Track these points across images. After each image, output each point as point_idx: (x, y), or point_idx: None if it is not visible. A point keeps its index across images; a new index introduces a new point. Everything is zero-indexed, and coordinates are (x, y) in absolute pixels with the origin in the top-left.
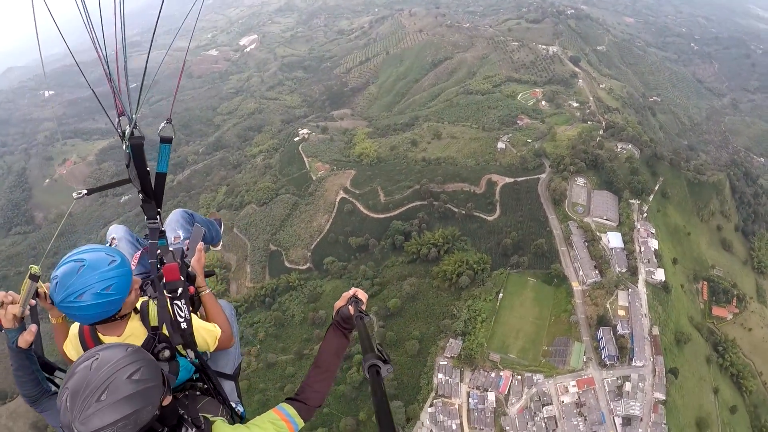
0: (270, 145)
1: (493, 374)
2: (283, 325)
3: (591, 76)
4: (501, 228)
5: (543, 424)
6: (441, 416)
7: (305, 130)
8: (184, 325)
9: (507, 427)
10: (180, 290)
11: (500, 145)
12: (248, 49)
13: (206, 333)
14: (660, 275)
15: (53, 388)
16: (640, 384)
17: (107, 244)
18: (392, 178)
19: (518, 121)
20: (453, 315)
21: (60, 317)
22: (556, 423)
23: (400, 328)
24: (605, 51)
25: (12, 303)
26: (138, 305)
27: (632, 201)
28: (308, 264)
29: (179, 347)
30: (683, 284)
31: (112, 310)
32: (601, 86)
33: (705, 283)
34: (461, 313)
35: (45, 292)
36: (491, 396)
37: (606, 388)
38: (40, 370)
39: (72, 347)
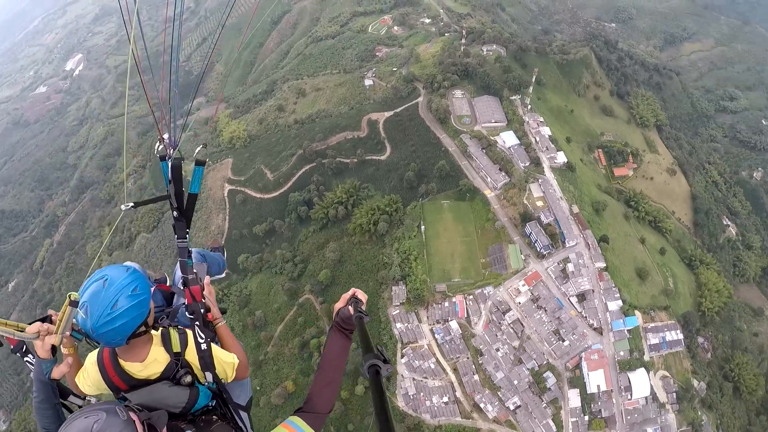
0: (136, 165)
1: (446, 304)
2: None
3: None
4: (398, 163)
5: (510, 330)
6: (416, 362)
7: (165, 135)
8: (203, 346)
9: (480, 346)
10: (201, 311)
11: (367, 82)
12: (77, 72)
13: (225, 364)
14: (561, 157)
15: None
16: (579, 261)
17: None
18: (272, 152)
19: (377, 53)
20: (385, 264)
21: (72, 348)
22: (522, 324)
23: (339, 296)
24: None
25: (48, 333)
26: (159, 331)
27: (513, 98)
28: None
29: (198, 374)
30: (582, 158)
31: (144, 312)
32: None
33: (600, 150)
34: (393, 259)
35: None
36: (453, 324)
37: (552, 275)
38: (60, 404)
39: (87, 377)
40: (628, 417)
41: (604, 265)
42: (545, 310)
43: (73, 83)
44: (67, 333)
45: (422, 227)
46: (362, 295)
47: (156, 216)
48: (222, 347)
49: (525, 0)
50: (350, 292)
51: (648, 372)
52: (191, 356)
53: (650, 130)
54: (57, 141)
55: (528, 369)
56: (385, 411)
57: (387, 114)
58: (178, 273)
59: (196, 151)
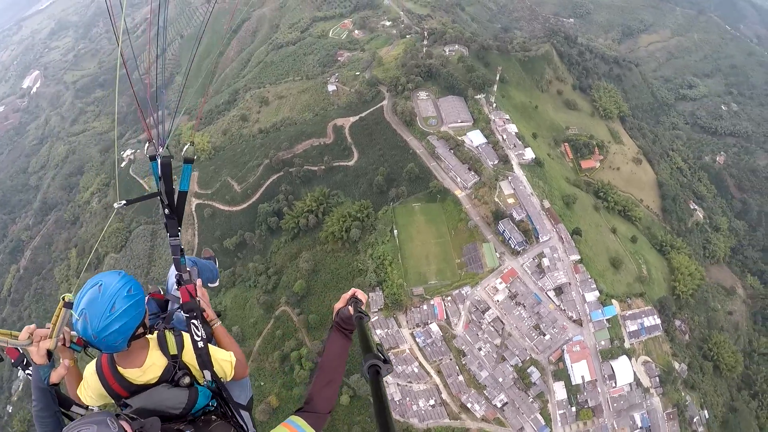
0: (99, 183)
1: (425, 307)
2: None
3: None
4: (366, 168)
5: (491, 329)
6: (399, 367)
7: (128, 152)
8: (200, 344)
9: (462, 347)
10: (196, 311)
11: (330, 87)
12: (34, 89)
13: (224, 363)
14: (529, 153)
15: None
16: (554, 255)
17: None
18: (238, 163)
19: (339, 58)
20: (360, 270)
21: (72, 361)
22: (502, 321)
23: (317, 307)
24: None
25: (42, 339)
26: (154, 335)
27: (478, 97)
28: (217, 279)
29: (196, 374)
30: (549, 153)
31: (142, 311)
32: None
33: (566, 144)
34: (367, 265)
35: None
36: (434, 327)
37: (528, 271)
38: (60, 411)
39: (88, 388)
40: (615, 404)
41: (579, 257)
42: (524, 306)
43: (31, 101)
44: (63, 336)
45: (395, 231)
46: (362, 296)
47: (123, 235)
48: (219, 347)
49: None
50: (350, 292)
51: (630, 359)
52: (189, 357)
53: (614, 122)
54: (17, 162)
55: (512, 366)
56: (386, 411)
57: (352, 119)
58: (171, 280)
59: (185, 149)
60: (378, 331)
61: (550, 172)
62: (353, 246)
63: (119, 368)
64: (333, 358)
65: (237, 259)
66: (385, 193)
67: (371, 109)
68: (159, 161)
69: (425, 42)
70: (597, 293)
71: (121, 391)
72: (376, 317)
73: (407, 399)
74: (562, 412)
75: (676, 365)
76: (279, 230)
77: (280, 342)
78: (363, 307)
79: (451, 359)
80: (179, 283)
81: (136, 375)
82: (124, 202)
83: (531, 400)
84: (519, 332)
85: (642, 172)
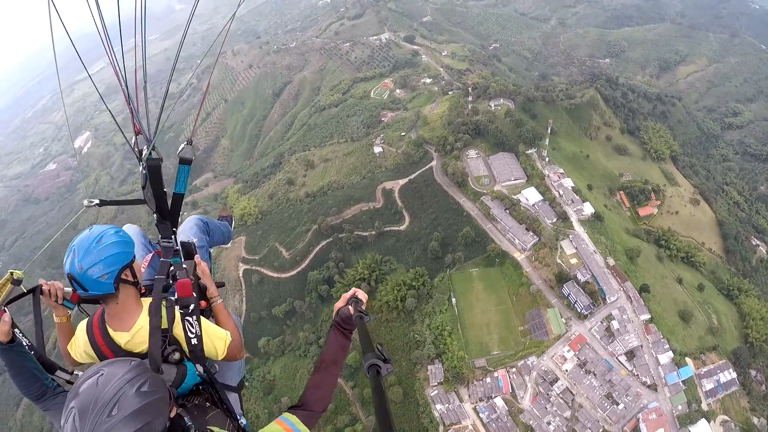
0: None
1: (488, 379)
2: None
3: (430, 48)
4: (419, 233)
5: (560, 401)
6: None
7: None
8: (194, 341)
9: (530, 421)
10: (192, 306)
11: (377, 149)
12: (86, 150)
13: (216, 339)
14: (588, 208)
15: (58, 387)
16: (623, 316)
17: None
18: (286, 228)
19: (383, 119)
20: (418, 342)
21: (65, 316)
22: (571, 392)
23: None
24: (432, 20)
25: None
26: (147, 303)
27: (529, 152)
28: (244, 355)
29: (186, 350)
30: (605, 204)
31: (129, 253)
32: (443, 54)
33: (621, 192)
34: (425, 336)
35: (50, 290)
36: (498, 401)
37: (597, 336)
38: (38, 367)
39: (78, 345)
40: None
41: (649, 316)
42: (594, 374)
43: (83, 161)
44: (55, 293)
45: (453, 299)
46: (362, 295)
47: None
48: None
49: (519, 48)
50: (351, 292)
51: (708, 421)
52: (179, 330)
53: (666, 163)
54: (67, 218)
55: None
56: (386, 410)
57: (401, 181)
58: (185, 234)
59: (180, 148)
60: (438, 406)
61: (610, 225)
62: (409, 316)
63: (109, 329)
64: (331, 358)
65: (286, 327)
66: (440, 258)
67: (420, 171)
68: (143, 164)
69: (470, 98)
70: (671, 354)
71: (108, 353)
72: (436, 391)
73: None
74: None
75: (756, 420)
76: (330, 298)
77: (333, 416)
78: (363, 307)
79: None
80: (174, 278)
81: (124, 340)
82: (96, 201)
83: None
84: (590, 403)
85: (701, 212)
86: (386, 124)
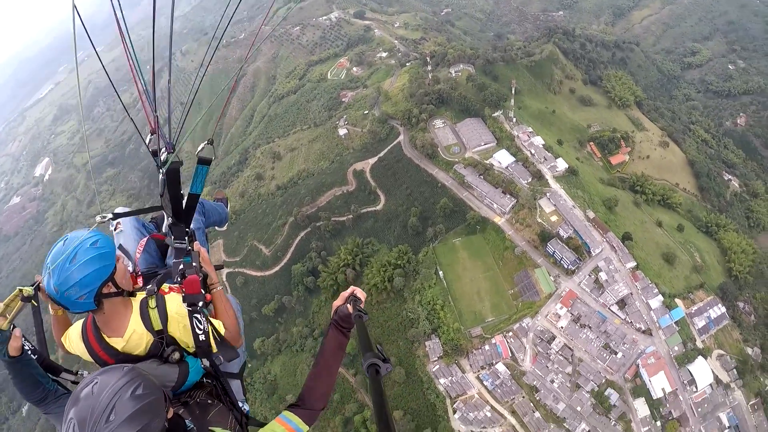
0: None
1: (487, 347)
2: None
3: (382, 21)
4: (396, 211)
5: (560, 358)
6: (470, 414)
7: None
8: (202, 338)
9: (533, 382)
10: (200, 304)
11: (341, 131)
12: (47, 176)
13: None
14: (561, 164)
15: (60, 388)
16: (610, 267)
17: (112, 228)
18: (262, 225)
19: (343, 99)
20: (412, 320)
21: (60, 309)
22: (570, 348)
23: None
24: None
25: None
26: (137, 303)
27: (495, 114)
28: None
29: (184, 344)
30: (577, 157)
31: (109, 266)
32: (396, 26)
33: (591, 144)
34: (418, 313)
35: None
36: (500, 366)
37: (587, 289)
38: (41, 372)
39: (74, 349)
40: (699, 409)
41: (635, 263)
42: (590, 327)
43: (46, 188)
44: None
45: (440, 272)
46: (361, 294)
47: None
48: (215, 314)
49: (471, 10)
50: (349, 290)
51: (705, 358)
52: (174, 328)
53: (632, 109)
54: (40, 250)
55: (588, 392)
56: (385, 410)
57: (371, 161)
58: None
59: (200, 147)
60: (442, 380)
61: (584, 178)
62: (399, 295)
63: (104, 336)
64: (329, 356)
65: (278, 324)
66: (421, 233)
67: (389, 147)
68: (164, 169)
69: (429, 67)
70: (661, 297)
71: (107, 358)
72: (437, 366)
73: None
74: (647, 429)
75: (750, 351)
76: (317, 289)
77: (340, 405)
78: (362, 306)
79: (523, 397)
80: (183, 275)
81: (120, 345)
82: (110, 215)
83: (613, 423)
84: (589, 356)
85: (671, 154)
86: (348, 104)
